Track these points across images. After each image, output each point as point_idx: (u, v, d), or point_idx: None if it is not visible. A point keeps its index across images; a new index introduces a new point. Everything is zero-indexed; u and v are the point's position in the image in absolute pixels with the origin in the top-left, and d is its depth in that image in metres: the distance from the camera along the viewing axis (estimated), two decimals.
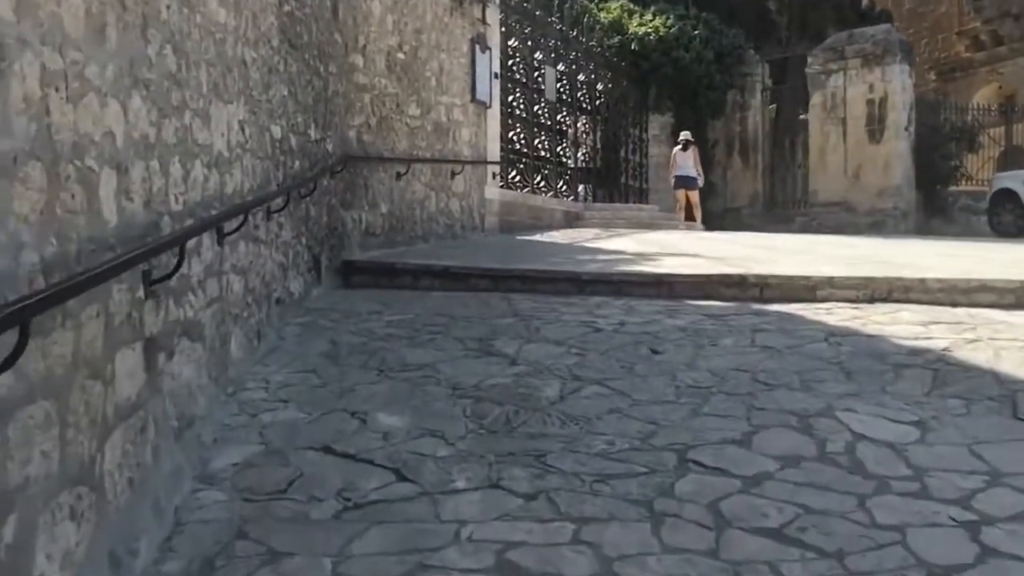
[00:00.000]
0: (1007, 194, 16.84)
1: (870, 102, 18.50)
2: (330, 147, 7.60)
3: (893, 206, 18.26)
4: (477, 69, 11.71)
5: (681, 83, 19.66)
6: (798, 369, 4.31)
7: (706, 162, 20.85)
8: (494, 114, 12.48)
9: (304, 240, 6.71)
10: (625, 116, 19.49)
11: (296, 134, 6.56)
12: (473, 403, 3.95)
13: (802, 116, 21.07)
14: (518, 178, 14.42)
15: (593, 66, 17.71)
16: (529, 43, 15.01)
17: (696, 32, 19.70)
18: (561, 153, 16.30)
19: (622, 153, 19.51)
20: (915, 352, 4.52)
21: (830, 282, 6.28)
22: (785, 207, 20.72)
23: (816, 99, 19.30)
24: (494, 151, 12.48)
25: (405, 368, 4.54)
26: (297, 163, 6.58)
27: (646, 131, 20.08)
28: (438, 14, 10.75)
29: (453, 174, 11.10)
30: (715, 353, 4.66)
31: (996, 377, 4.07)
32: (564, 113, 16.47)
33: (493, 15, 12.46)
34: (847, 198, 18.81)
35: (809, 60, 19.38)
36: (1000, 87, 23.96)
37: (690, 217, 16.61)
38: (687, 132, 16.96)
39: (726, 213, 20.61)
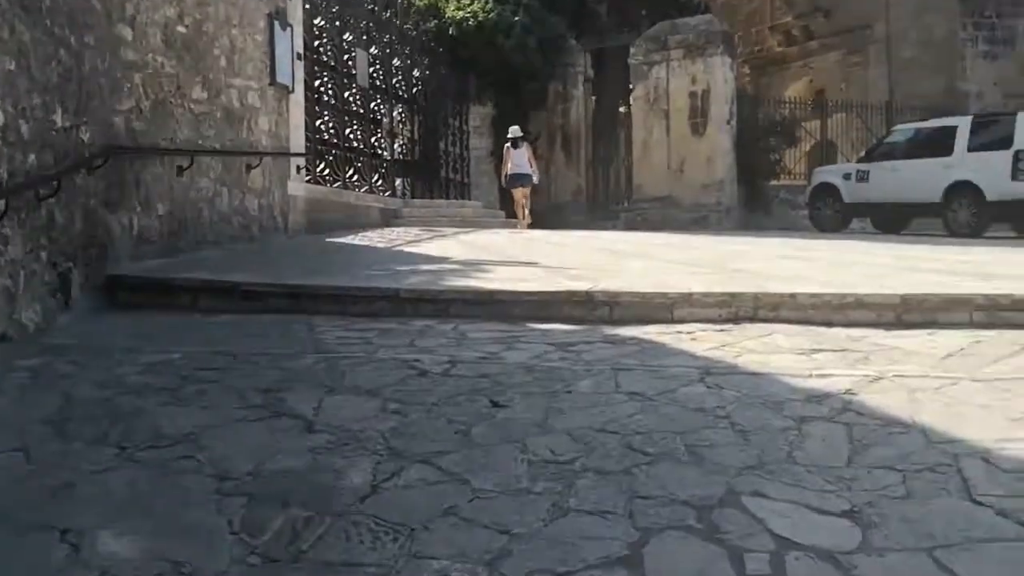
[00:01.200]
0: (827, 188, 16.90)
1: (693, 94, 18.23)
2: (86, 136, 6.13)
3: (716, 201, 18.07)
4: (277, 49, 10.33)
5: (502, 72, 18.79)
6: (680, 428, 3.34)
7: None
8: (298, 100, 11.12)
9: (44, 254, 5.29)
10: (444, 106, 18.43)
11: (30, 119, 5.12)
12: (246, 505, 2.75)
13: (623, 109, 20.67)
14: (328, 172, 13.08)
15: (409, 51, 16.55)
16: (337, 23, 13.68)
17: (517, 19, 18.87)
18: (376, 144, 15.06)
19: (442, 145, 18.46)
20: (814, 397, 3.65)
21: (689, 299, 5.41)
22: (609, 203, 20.29)
23: (639, 91, 18.87)
24: (299, 142, 11.12)
25: (157, 442, 3.27)
26: (32, 156, 5.15)
27: (467, 122, 19.12)
28: None
29: (249, 168, 9.70)
30: (573, 404, 3.63)
31: (924, 435, 3.22)
32: (378, 101, 15.24)
33: None
34: (671, 193, 18.51)
35: (631, 51, 18.94)
36: (811, 81, 24.48)
37: (512, 215, 15.76)
38: (516, 127, 16.06)
39: (549, 209, 19.94)
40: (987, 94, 20.76)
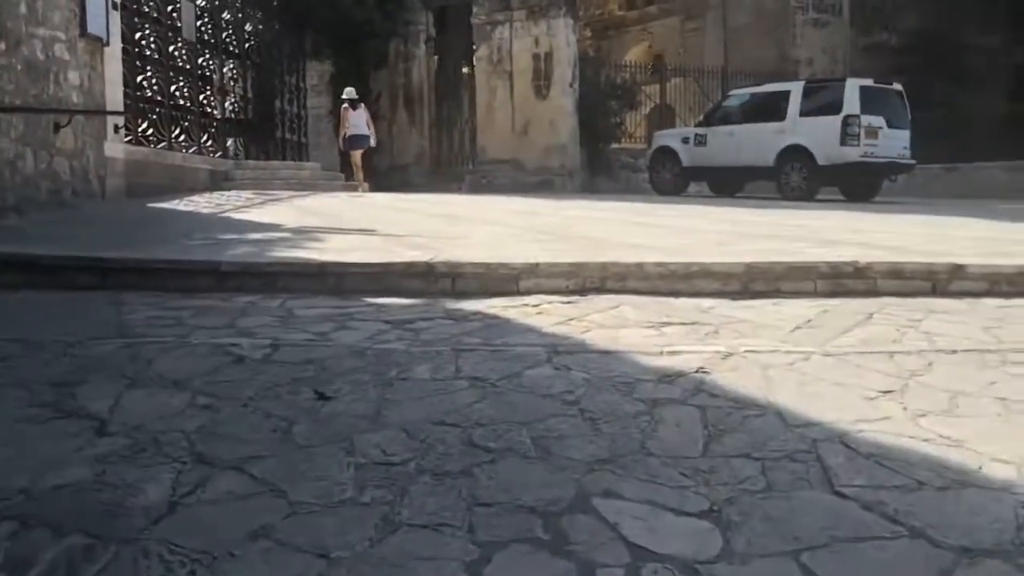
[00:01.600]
0: (666, 152, 17.06)
1: (536, 56, 18.02)
2: None
3: (560, 164, 17.99)
4: None
5: (341, 29, 18.05)
6: (525, 418, 3.06)
7: (371, 115, 19.57)
8: (114, 53, 10.23)
9: None
10: (280, 63, 17.55)
11: None
12: (15, 534, 2.30)
13: (467, 69, 20.29)
14: (151, 131, 12.17)
15: (240, 4, 15.60)
16: None
17: None
18: (205, 102, 14.15)
19: (278, 104, 17.61)
20: (666, 377, 3.44)
21: (535, 270, 5.15)
22: (453, 164, 19.94)
23: (482, 51, 18.53)
24: (116, 98, 10.25)
25: None
26: None
27: (304, 80, 18.32)
28: None
29: (58, 127, 8.85)
30: (408, 393, 3.30)
31: (781, 418, 3.06)
32: (207, 56, 14.30)
33: None
34: (516, 156, 18.30)
35: (474, 10, 18.55)
36: (650, 46, 24.74)
37: (352, 178, 15.22)
38: (351, 89, 15.57)
39: (392, 171, 19.45)
40: (816, 60, 21.46)
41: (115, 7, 10.18)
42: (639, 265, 5.18)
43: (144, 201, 10.05)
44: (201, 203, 10.05)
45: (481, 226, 7.64)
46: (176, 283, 5.41)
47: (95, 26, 9.55)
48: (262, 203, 10.17)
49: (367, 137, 15.32)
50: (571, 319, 4.41)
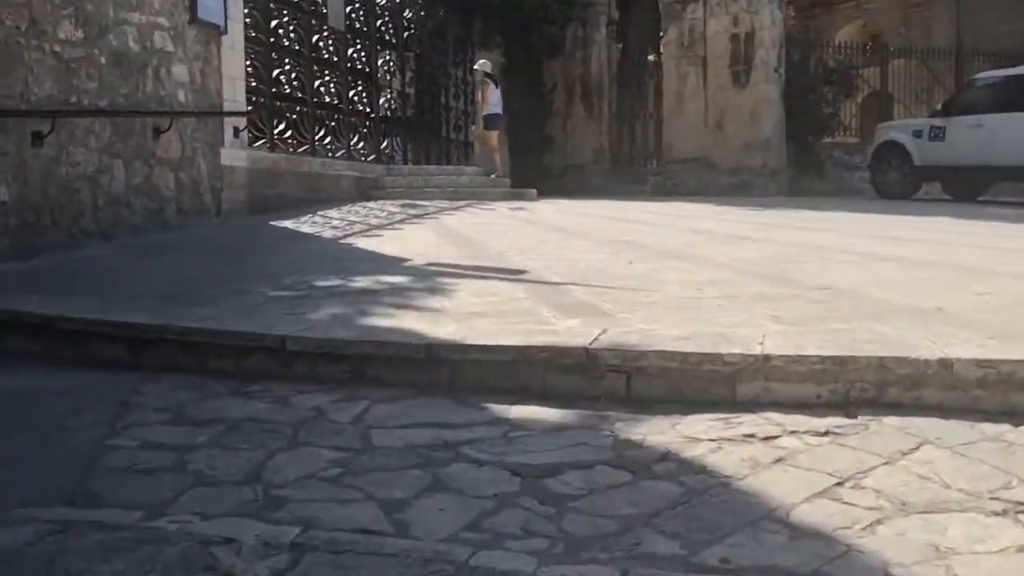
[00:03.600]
0: (893, 148, 14.22)
1: (734, 38, 15.53)
2: None
3: (762, 163, 15.45)
4: None
5: (511, 14, 16.17)
6: None
7: (544, 110, 17.68)
8: (235, 43, 8.68)
9: None
10: (444, 53, 15.86)
11: None
12: None
13: (653, 57, 18.02)
14: (290, 133, 10.64)
15: None
16: None
17: None
18: (356, 99, 12.58)
19: (442, 100, 15.94)
20: None
21: (763, 367, 3.00)
22: (635, 163, 17.71)
23: (671, 34, 16.20)
24: (237, 97, 8.70)
25: None
26: None
27: (471, 73, 16.51)
28: None
29: (158, 132, 7.32)
30: None
31: None
32: (359, 47, 12.72)
33: None
34: (708, 154, 15.89)
35: None
36: (865, 25, 21.62)
37: (522, 184, 13.38)
38: (487, 61, 14.07)
39: (567, 171, 17.43)
40: None
41: None
42: (945, 363, 2.92)
43: (267, 217, 8.47)
44: (333, 220, 8.36)
45: (669, 264, 5.48)
46: (225, 363, 3.66)
47: (209, 11, 8.01)
48: (403, 220, 8.38)
49: (503, 117, 13.79)
50: (840, 480, 2.24)
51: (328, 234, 7.30)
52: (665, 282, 4.75)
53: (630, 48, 18.07)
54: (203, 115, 7.96)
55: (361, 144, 12.52)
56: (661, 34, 16.61)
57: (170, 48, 7.55)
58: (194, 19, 7.86)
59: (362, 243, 6.76)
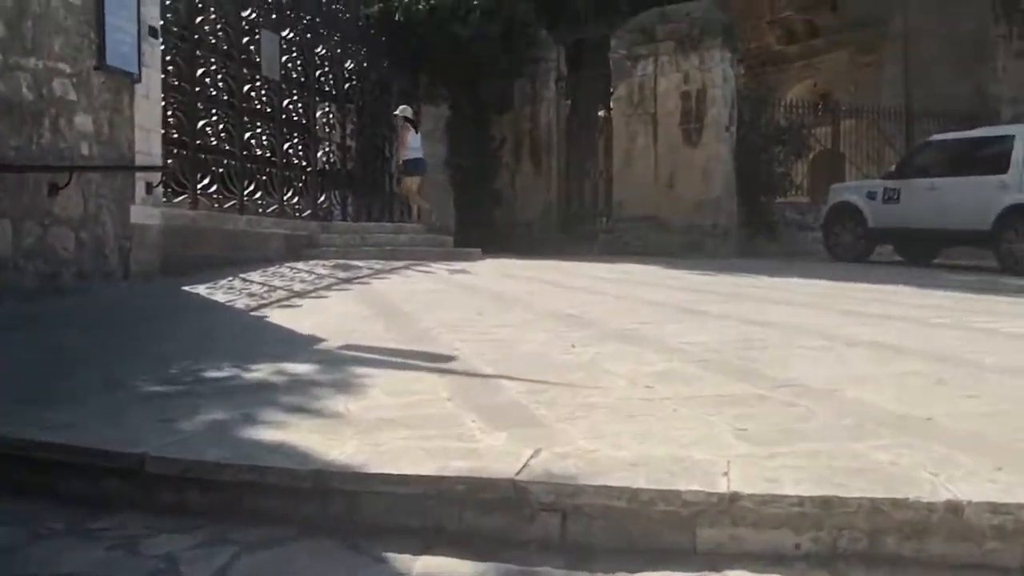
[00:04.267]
0: (847, 209, 13.91)
1: (686, 95, 15.21)
2: None
3: (713, 223, 15.04)
4: (108, 18, 7.21)
5: (459, 67, 15.70)
6: None
7: (492, 165, 17.18)
8: (150, 92, 8.00)
9: None
10: (388, 106, 15.29)
11: None
12: None
13: (603, 113, 17.68)
14: (215, 188, 9.94)
15: (340, 38, 13.41)
16: None
17: (476, 2, 15.78)
18: (291, 152, 11.92)
19: (385, 152, 15.34)
20: None
21: (732, 508, 2.40)
22: (584, 222, 17.22)
23: (621, 91, 15.85)
24: (151, 150, 8.00)
25: None
26: None
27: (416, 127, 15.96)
28: None
29: (55, 188, 6.58)
30: None
31: None
32: (295, 98, 12.10)
33: None
34: (659, 212, 15.47)
35: (613, 43, 15.92)
36: (815, 84, 21.56)
37: (462, 244, 12.82)
38: (407, 107, 13.75)
39: (515, 227, 16.89)
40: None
41: (153, 34, 7.98)
42: (953, 508, 2.33)
43: (182, 281, 7.73)
44: (253, 285, 7.65)
45: (619, 347, 4.87)
46: (74, 486, 2.95)
47: (120, 57, 7.34)
48: (330, 285, 7.69)
49: (424, 162, 13.46)
50: None
51: (242, 303, 6.59)
52: (612, 374, 4.14)
53: (580, 104, 17.71)
54: (109, 169, 7.25)
55: (296, 199, 11.84)
56: (611, 90, 16.25)
57: (72, 96, 6.86)
58: (101, 65, 7.19)
59: (276, 315, 6.06)
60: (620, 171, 16.05)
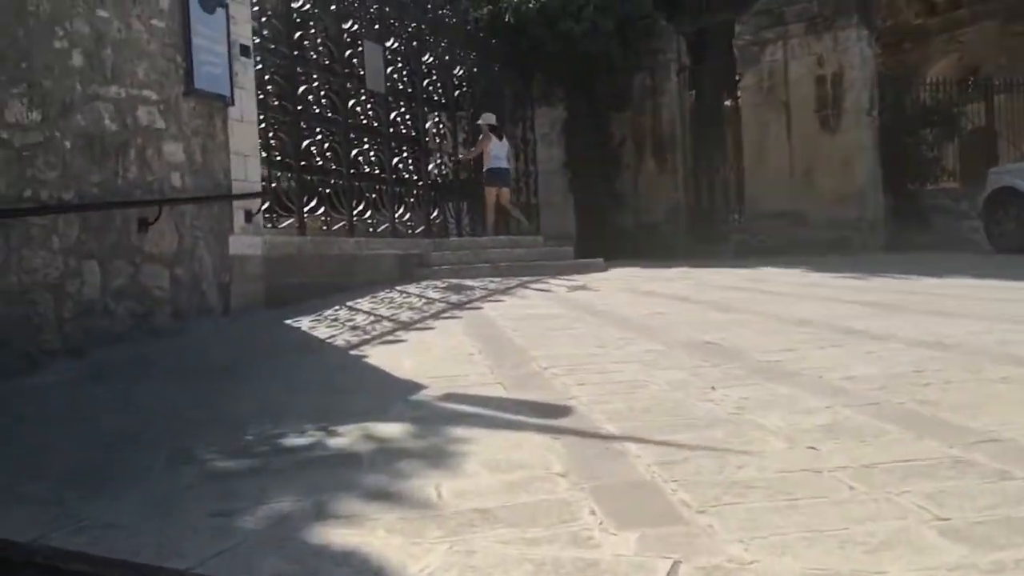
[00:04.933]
0: (1011, 195, 12.50)
1: (820, 79, 14.08)
2: None
3: (858, 216, 13.84)
4: (195, 39, 6.81)
5: (572, 65, 14.98)
6: None
7: (612, 166, 16.39)
8: (245, 115, 7.58)
9: None
10: (501, 110, 14.70)
11: None
12: None
13: (729, 102, 16.66)
14: (322, 210, 9.52)
15: (447, 44, 12.89)
16: (332, 7, 10.12)
17: None
18: (402, 167, 11.46)
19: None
20: None
21: None
22: (715, 221, 16.23)
23: (749, 79, 14.81)
24: (248, 176, 7.58)
25: None
26: None
27: (532, 129, 15.37)
28: None
29: (144, 224, 6.20)
30: None
31: None
32: (403, 110, 11.62)
33: None
34: (797, 207, 14.36)
35: (737, 29, 14.90)
36: (961, 58, 19.85)
37: (584, 254, 12.08)
38: (491, 115, 12.81)
39: (640, 230, 16.03)
40: None
41: (246, 53, 7.56)
42: None
43: (285, 313, 7.27)
44: (358, 316, 7.12)
45: (768, 388, 4.04)
46: None
47: (211, 80, 6.93)
48: (438, 313, 7.08)
49: (509, 172, 12.62)
50: None
51: (343, 339, 6.04)
52: (764, 430, 3.33)
53: (704, 96, 16.71)
54: (202, 200, 6.84)
55: (408, 216, 11.36)
56: (738, 78, 15.23)
57: (160, 124, 6.47)
58: (190, 90, 6.78)
59: (377, 355, 5.47)
60: (752, 165, 15.02)
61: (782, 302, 7.08)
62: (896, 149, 14.19)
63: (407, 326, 6.44)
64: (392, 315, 7.06)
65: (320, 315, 7.26)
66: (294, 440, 3.63)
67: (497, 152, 12.50)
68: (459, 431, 3.57)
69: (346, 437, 3.60)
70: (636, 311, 6.65)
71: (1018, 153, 16.25)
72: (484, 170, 12.69)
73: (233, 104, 7.31)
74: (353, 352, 5.62)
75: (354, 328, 6.45)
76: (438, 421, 3.76)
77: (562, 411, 3.81)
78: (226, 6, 7.19)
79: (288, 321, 6.98)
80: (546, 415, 3.75)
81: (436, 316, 6.92)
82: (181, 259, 6.64)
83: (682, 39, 16.42)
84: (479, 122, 12.78)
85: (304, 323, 6.85)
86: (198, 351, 5.94)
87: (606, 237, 15.39)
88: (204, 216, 6.93)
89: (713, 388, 4.11)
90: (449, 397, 4.21)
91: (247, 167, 7.53)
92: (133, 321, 6.15)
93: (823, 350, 4.96)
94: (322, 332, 6.42)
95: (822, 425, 3.36)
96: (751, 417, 3.54)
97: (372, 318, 6.97)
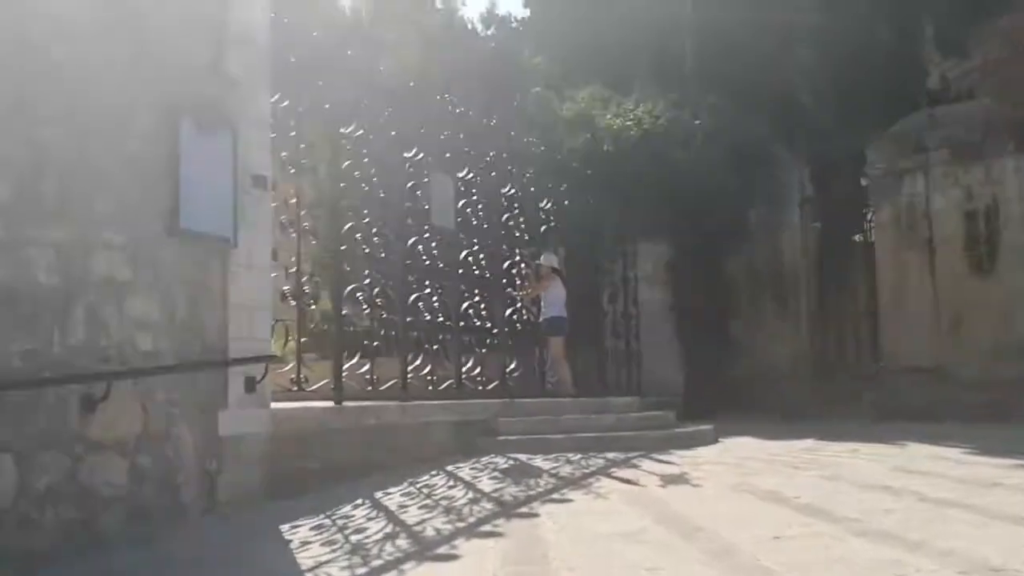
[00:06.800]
0: None
1: (970, 215, 12.11)
2: None
3: (1019, 375, 11.54)
4: (184, 168, 5.43)
5: (679, 196, 13.37)
6: None
7: (723, 308, 14.53)
8: (254, 260, 6.12)
9: None
10: (598, 246, 13.15)
11: None
12: None
13: (859, 237, 14.72)
14: (366, 367, 7.98)
15: (533, 174, 11.47)
16: (393, 132, 8.79)
17: (698, 122, 13.51)
18: (472, 312, 9.90)
19: (601, 302, 13.14)
20: None
21: None
22: (843, 374, 14.07)
23: (884, 214, 12.94)
24: (255, 334, 6.08)
25: None
26: None
27: (633, 267, 13.70)
28: None
29: (90, 403, 4.70)
30: None
31: None
32: (476, 248, 10.13)
33: (251, 56, 6.20)
34: (942, 362, 12.18)
35: (869, 156, 13.09)
36: None
37: (690, 415, 10.18)
38: (552, 255, 11.41)
39: (755, 381, 13.97)
40: None
41: (260, 184, 6.18)
42: None
43: (285, 513, 5.61)
44: (373, 524, 5.41)
45: None
46: None
47: (202, 219, 5.49)
48: (477, 524, 5.31)
49: (566, 321, 10.96)
50: None
51: (338, 568, 4.31)
52: None
53: (830, 231, 14.80)
54: (186, 370, 5.32)
55: (478, 370, 9.72)
56: (869, 213, 13.33)
57: (124, 274, 5.04)
58: (175, 229, 5.36)
59: None
60: (888, 311, 12.96)
61: (959, 522, 5.04)
62: None
63: (429, 550, 4.68)
64: (416, 524, 5.31)
65: (330, 516, 5.58)
66: None
67: (557, 299, 10.89)
68: None
69: None
70: (751, 533, 4.74)
71: None
72: (543, 319, 11.02)
73: (237, 246, 5.87)
74: None
75: (354, 550, 4.72)
76: None
77: None
78: (232, 130, 5.83)
79: (284, 527, 5.32)
80: None
81: (472, 529, 5.13)
82: (145, 446, 5.10)
83: (804, 167, 14.67)
84: (539, 262, 11.22)
85: (301, 533, 5.17)
86: None
87: (717, 389, 13.48)
88: (185, 387, 5.41)
89: None
90: None
91: (253, 323, 6.04)
92: (65, 533, 4.59)
93: None
94: (317, 552, 4.71)
95: None
96: None
97: (390, 527, 5.24)
